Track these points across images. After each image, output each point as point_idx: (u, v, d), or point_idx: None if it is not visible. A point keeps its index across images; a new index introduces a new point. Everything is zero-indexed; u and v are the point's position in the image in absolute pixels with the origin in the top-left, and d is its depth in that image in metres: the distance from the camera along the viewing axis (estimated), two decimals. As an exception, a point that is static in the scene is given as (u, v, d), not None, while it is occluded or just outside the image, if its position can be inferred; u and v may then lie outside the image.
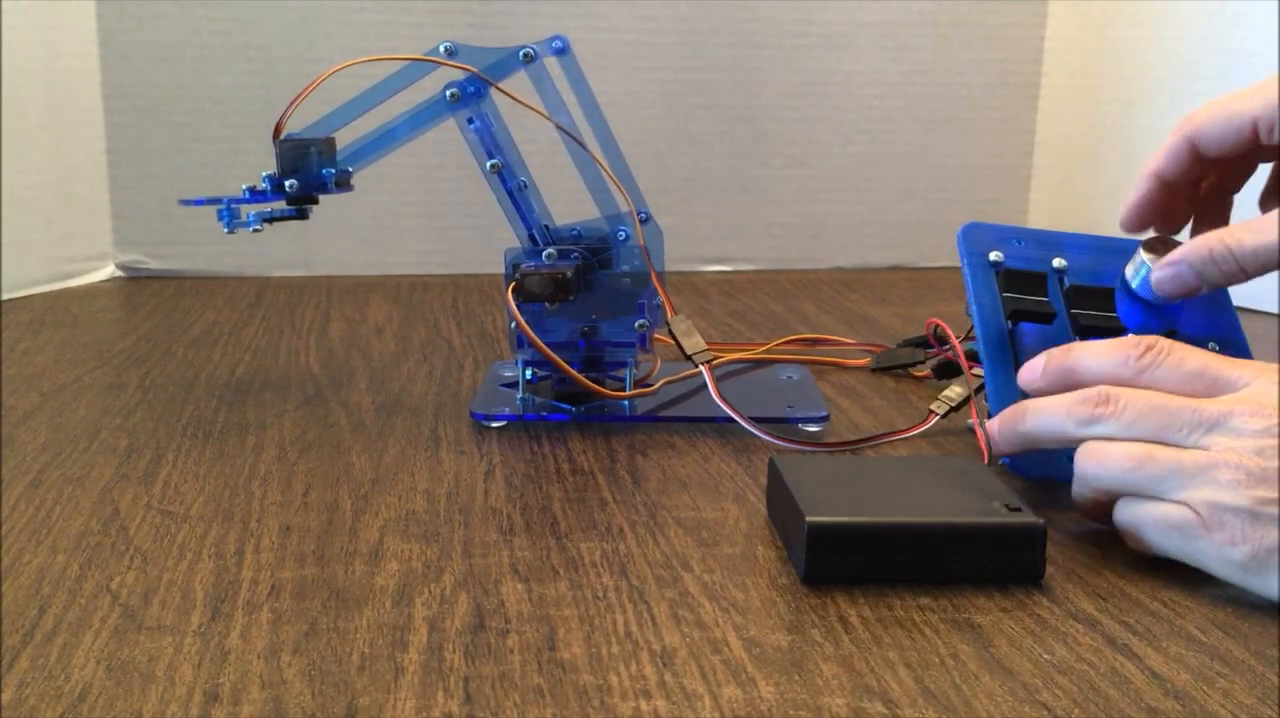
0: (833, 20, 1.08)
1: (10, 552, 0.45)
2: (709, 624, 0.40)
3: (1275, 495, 0.40)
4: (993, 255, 0.57)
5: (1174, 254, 0.52)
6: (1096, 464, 0.45)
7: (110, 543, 0.46)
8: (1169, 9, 1.00)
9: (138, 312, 0.88)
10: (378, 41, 0.98)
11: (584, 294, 0.61)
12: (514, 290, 0.59)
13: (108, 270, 1.00)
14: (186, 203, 0.64)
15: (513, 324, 0.60)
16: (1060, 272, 0.58)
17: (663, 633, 0.39)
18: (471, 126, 0.60)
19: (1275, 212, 0.50)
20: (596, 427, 0.61)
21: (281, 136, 0.61)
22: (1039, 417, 0.48)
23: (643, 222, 0.61)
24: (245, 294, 0.94)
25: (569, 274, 0.59)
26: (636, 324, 0.61)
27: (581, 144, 0.60)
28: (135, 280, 1.00)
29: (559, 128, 0.60)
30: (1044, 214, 1.14)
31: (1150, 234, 0.56)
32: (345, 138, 0.62)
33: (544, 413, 0.62)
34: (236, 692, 0.35)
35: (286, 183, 0.61)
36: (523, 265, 0.60)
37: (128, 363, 0.73)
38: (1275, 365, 0.44)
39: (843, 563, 0.43)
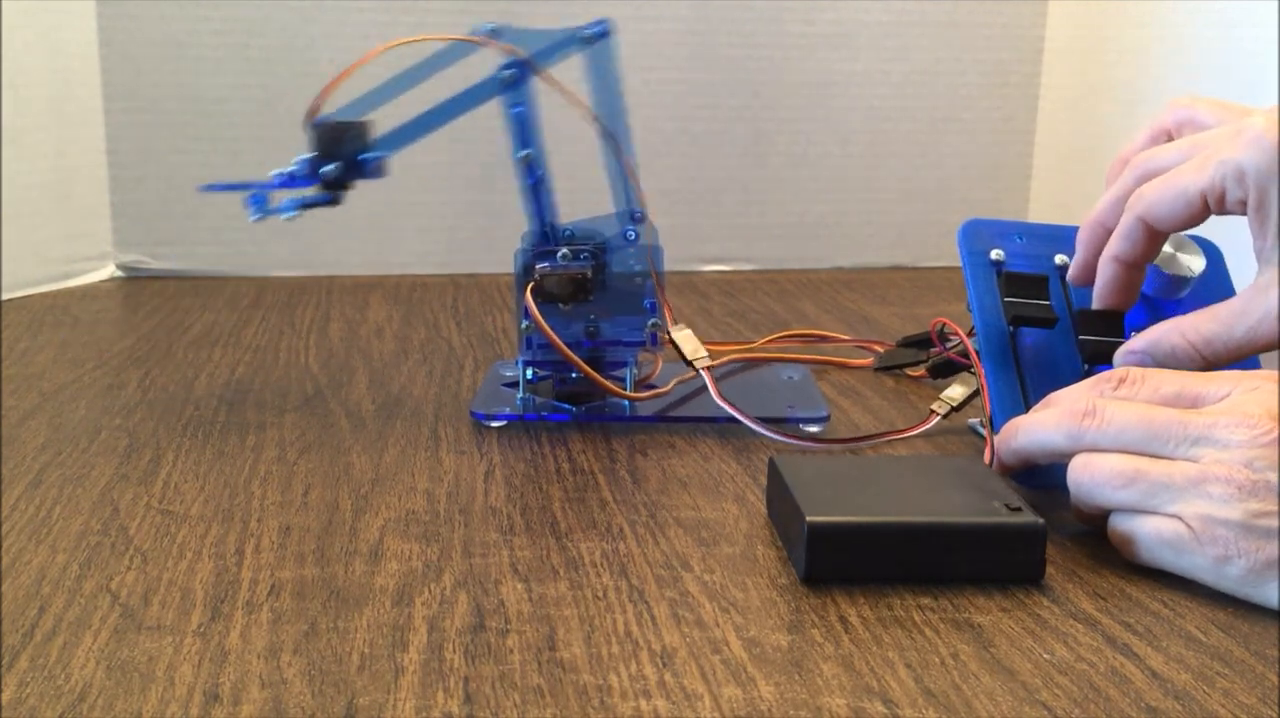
0: (833, 20, 1.08)
1: (10, 552, 0.45)
2: (709, 624, 0.40)
3: (1268, 508, 0.40)
4: (994, 254, 0.57)
5: (1136, 343, 0.52)
6: (1088, 479, 0.45)
7: (110, 543, 0.46)
8: (1169, 9, 1.00)
9: (138, 312, 0.88)
10: (378, 42, 0.98)
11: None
12: (532, 290, 0.59)
13: (108, 270, 1.00)
14: (209, 188, 0.61)
15: (524, 323, 0.60)
16: (1062, 269, 0.58)
17: (663, 633, 0.39)
18: (514, 110, 0.59)
19: (1240, 299, 0.49)
20: (596, 427, 0.61)
21: (315, 119, 0.58)
22: (1030, 434, 0.48)
23: (640, 221, 0.61)
24: (245, 294, 0.94)
25: (588, 274, 0.59)
26: (649, 324, 0.61)
27: (613, 138, 0.60)
28: (135, 280, 1.00)
29: (595, 119, 0.60)
30: (1044, 214, 1.14)
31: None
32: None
33: (544, 413, 0.62)
34: (236, 692, 0.35)
35: (326, 167, 0.58)
36: (539, 266, 0.60)
37: (128, 363, 0.73)
38: (1251, 373, 0.45)
39: (843, 563, 0.43)
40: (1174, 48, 1.00)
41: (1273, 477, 0.41)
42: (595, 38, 0.60)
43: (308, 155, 0.59)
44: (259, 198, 0.59)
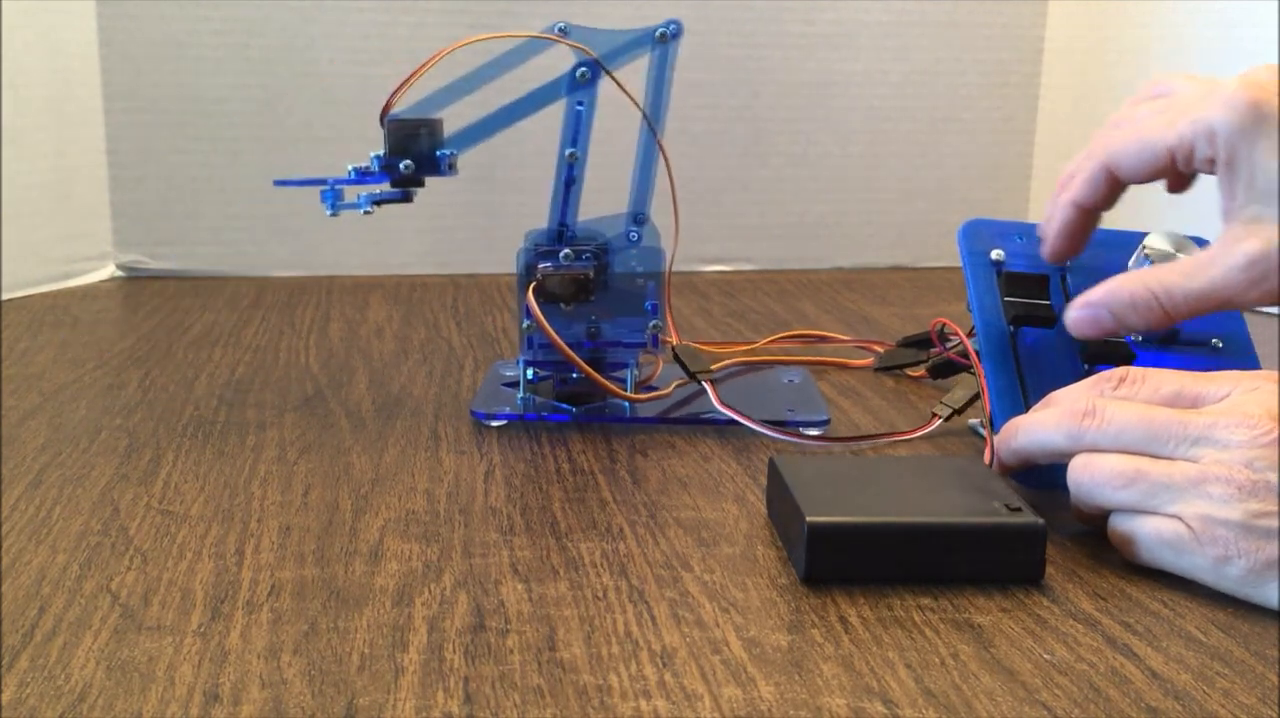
0: (833, 20, 1.08)
1: (10, 552, 0.45)
2: (709, 624, 0.40)
3: (1268, 508, 0.40)
4: (994, 254, 0.57)
5: (1094, 294, 0.50)
6: (1088, 479, 0.45)
7: (110, 543, 0.46)
8: (1169, 9, 1.00)
9: (138, 312, 0.88)
10: (378, 42, 0.98)
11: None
12: (534, 290, 0.59)
13: (108, 270, 1.00)
14: (283, 183, 0.60)
15: (526, 323, 0.60)
16: (1062, 268, 0.58)
17: (663, 633, 0.39)
18: (577, 109, 0.60)
19: (1206, 253, 0.48)
20: (596, 427, 0.61)
21: (389, 116, 0.58)
22: (1030, 434, 0.48)
23: (642, 223, 0.61)
24: (245, 294, 0.94)
25: (590, 275, 0.59)
26: (650, 325, 0.61)
27: (657, 140, 0.60)
28: (135, 280, 1.00)
29: (645, 118, 0.60)
30: (1043, 214, 1.14)
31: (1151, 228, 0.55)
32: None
33: (544, 413, 0.62)
34: (236, 692, 0.35)
35: (401, 164, 0.58)
36: (542, 266, 0.60)
37: (128, 363, 0.73)
38: (1250, 373, 0.45)
39: (843, 563, 0.43)
40: (1174, 48, 1.00)
41: (1273, 477, 0.41)
42: (670, 37, 0.60)
43: (381, 151, 0.59)
44: (333, 193, 0.59)
